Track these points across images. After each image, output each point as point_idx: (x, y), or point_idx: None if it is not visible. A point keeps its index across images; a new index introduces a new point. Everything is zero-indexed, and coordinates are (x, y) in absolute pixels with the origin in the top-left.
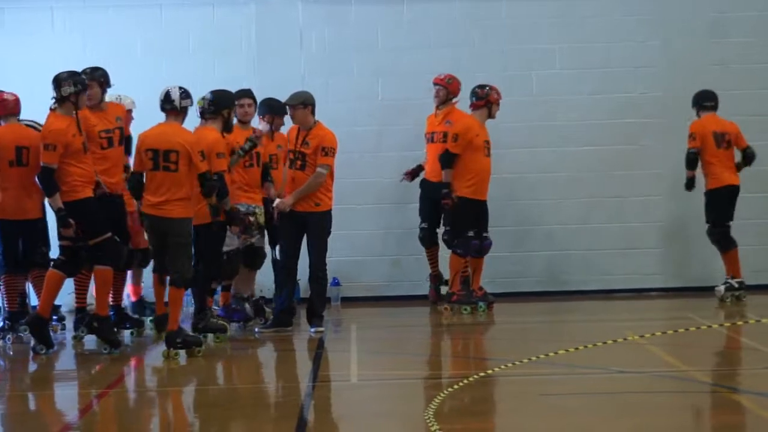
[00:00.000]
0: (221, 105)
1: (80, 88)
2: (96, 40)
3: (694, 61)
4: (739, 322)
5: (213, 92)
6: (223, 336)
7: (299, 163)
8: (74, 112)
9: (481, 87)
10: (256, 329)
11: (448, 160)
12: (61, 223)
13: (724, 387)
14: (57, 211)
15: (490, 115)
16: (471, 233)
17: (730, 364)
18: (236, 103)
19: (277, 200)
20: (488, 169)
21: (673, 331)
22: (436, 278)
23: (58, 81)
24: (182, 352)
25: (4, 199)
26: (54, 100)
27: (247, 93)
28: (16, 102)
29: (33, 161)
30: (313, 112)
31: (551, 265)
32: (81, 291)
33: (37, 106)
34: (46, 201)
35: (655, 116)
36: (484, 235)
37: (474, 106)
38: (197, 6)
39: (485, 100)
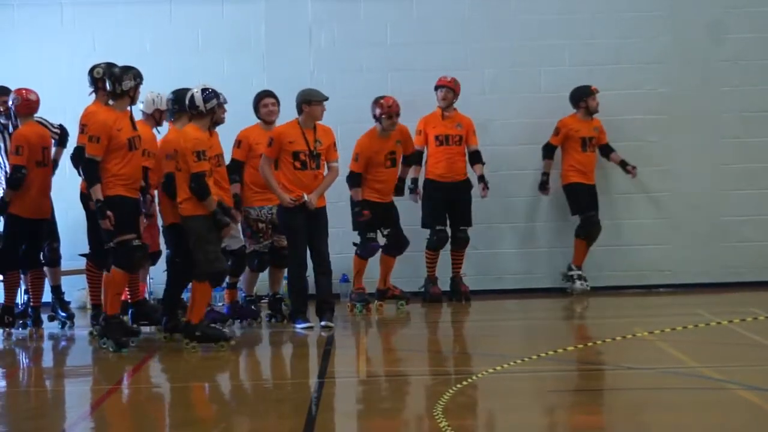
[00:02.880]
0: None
1: (139, 81)
2: (105, 37)
3: (703, 58)
4: (749, 319)
5: (175, 92)
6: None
7: (314, 163)
8: (129, 106)
9: (376, 101)
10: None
11: (354, 180)
12: (100, 215)
13: (734, 383)
14: (96, 203)
15: (383, 129)
16: (371, 235)
17: (740, 360)
18: (260, 103)
19: (305, 197)
20: (393, 177)
21: (682, 327)
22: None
23: (117, 76)
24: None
25: (26, 199)
26: (102, 93)
27: (269, 93)
28: (38, 102)
29: (49, 161)
30: None
31: (559, 262)
32: (95, 288)
33: (46, 102)
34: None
35: (664, 112)
36: (369, 236)
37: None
38: (206, 3)
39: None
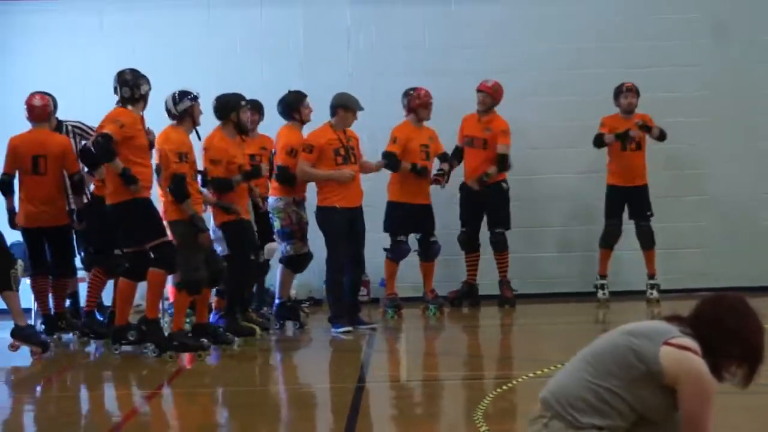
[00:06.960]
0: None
1: (150, 87)
2: (145, 42)
3: (741, 60)
4: None
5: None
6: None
7: (352, 158)
8: (142, 111)
9: (405, 93)
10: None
11: (394, 162)
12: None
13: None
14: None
15: (419, 119)
16: (401, 237)
17: None
18: (302, 103)
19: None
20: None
21: None
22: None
23: (135, 80)
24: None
25: (22, 208)
26: (123, 99)
27: (305, 94)
28: (44, 108)
29: (51, 169)
30: None
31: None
32: (93, 292)
33: (87, 108)
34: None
35: (701, 115)
36: (399, 239)
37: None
38: (245, 7)
39: (407, 107)
